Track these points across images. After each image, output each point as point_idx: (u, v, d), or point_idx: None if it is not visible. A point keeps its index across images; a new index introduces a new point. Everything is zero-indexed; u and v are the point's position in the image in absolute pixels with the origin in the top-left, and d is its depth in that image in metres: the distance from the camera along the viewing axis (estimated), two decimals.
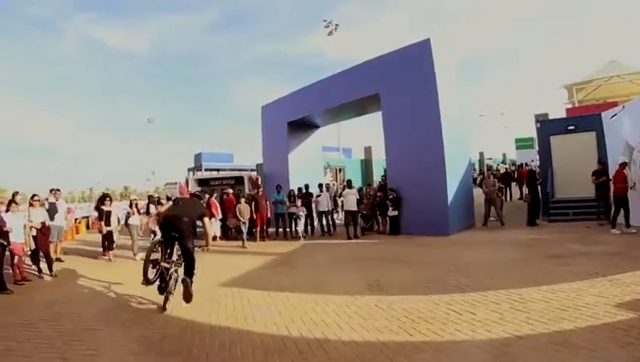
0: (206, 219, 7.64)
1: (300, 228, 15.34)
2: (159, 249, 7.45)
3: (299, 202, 15.54)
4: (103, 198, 13.31)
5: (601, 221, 13.04)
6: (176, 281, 7.23)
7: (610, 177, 12.60)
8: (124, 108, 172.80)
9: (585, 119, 16.40)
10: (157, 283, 7.23)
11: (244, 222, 14.46)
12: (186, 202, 8.40)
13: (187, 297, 6.96)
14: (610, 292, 6.14)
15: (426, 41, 14.15)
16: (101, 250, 13.16)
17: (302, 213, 15.45)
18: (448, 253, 10.59)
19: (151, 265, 7.22)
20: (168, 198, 16.13)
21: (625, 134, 13.31)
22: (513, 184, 23.26)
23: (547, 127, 16.90)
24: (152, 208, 14.02)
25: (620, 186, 11.79)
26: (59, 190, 13.11)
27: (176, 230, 7.14)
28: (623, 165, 12.00)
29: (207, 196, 15.69)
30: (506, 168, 26.31)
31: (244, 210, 14.55)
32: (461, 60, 22.87)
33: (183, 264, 7.25)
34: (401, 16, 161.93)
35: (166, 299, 7.06)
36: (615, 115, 14.16)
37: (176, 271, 7.28)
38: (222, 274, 9.56)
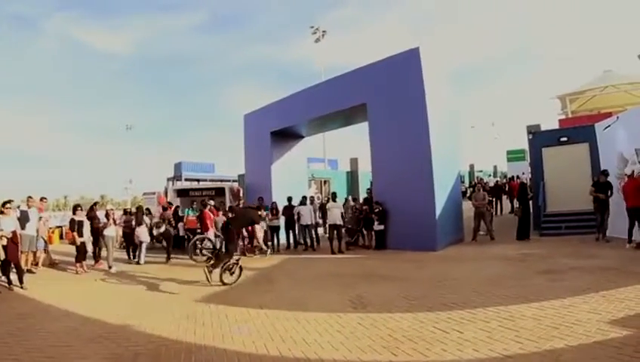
0: (256, 226, 11.80)
1: (260, 241, 14.96)
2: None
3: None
4: (92, 206, 13.38)
5: (598, 236, 12.85)
6: (240, 269, 10.31)
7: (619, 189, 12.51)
8: (104, 112, 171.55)
9: (578, 130, 16.55)
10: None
11: (218, 235, 14.29)
12: (237, 213, 11.32)
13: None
14: (603, 308, 6.13)
15: (415, 49, 14.22)
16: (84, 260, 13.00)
17: (261, 226, 15.04)
18: (435, 268, 10.57)
19: (194, 249, 11.02)
20: (149, 211, 16.05)
21: (619, 146, 13.40)
22: (504, 197, 23.33)
23: (539, 139, 17.04)
24: (147, 219, 14.47)
25: (633, 197, 11.50)
26: (45, 198, 13.12)
27: (224, 235, 10.57)
28: (632, 175, 11.93)
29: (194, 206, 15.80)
30: (497, 181, 26.36)
31: (220, 222, 14.31)
32: (451, 69, 22.98)
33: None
34: (391, 24, 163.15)
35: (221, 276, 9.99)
36: (609, 126, 14.28)
37: (237, 261, 10.32)
38: (199, 290, 9.52)
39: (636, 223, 11.42)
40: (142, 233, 14.17)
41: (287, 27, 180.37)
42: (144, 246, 14.18)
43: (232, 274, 10.13)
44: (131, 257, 14.47)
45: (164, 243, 15.06)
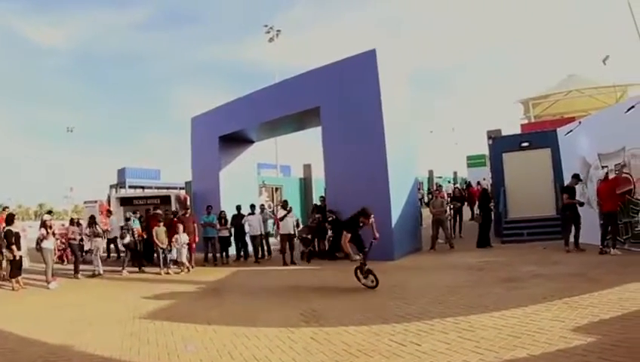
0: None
1: (182, 257, 14.43)
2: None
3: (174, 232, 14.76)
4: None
5: (578, 248, 12.26)
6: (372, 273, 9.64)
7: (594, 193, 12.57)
8: (42, 113, 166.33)
9: (540, 135, 16.96)
10: None
11: (162, 248, 14.13)
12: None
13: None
14: (567, 315, 6.18)
15: (372, 51, 14.31)
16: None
17: (183, 242, 14.49)
18: (392, 279, 10.50)
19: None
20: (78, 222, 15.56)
21: (581, 151, 13.72)
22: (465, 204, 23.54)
23: (500, 144, 17.35)
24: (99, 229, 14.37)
25: (609, 199, 11.54)
26: (7, 207, 12.59)
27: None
28: (606, 177, 12.00)
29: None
30: (457, 187, 26.63)
31: (161, 233, 14.22)
32: (410, 73, 23.26)
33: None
34: (349, 26, 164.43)
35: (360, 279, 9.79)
36: (571, 131, 14.57)
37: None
38: (143, 306, 9.36)
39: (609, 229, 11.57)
40: (100, 244, 14.14)
41: (239, 26, 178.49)
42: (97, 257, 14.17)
43: (365, 277, 9.65)
44: (78, 271, 13.96)
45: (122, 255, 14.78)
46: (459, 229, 18.33)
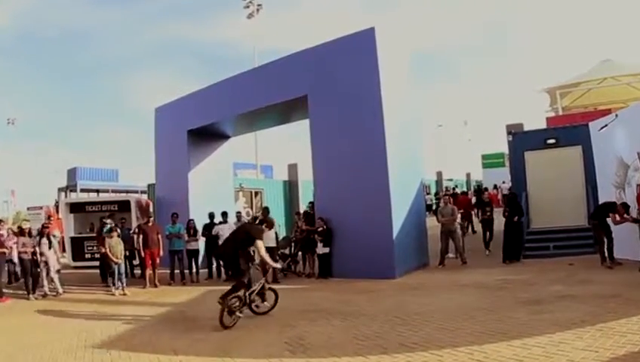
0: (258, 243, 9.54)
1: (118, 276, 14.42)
2: None
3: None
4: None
5: (615, 262, 12.47)
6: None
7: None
8: None
9: (569, 131, 16.96)
10: None
11: (116, 263, 14.00)
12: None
13: None
14: (601, 344, 6.17)
15: (370, 30, 14.30)
16: None
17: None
18: (393, 301, 10.59)
19: None
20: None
21: (618, 149, 13.68)
22: (473, 212, 23.26)
23: (521, 141, 17.37)
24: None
25: None
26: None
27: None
28: None
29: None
30: (465, 192, 26.83)
31: (115, 245, 14.15)
32: (415, 56, 23.10)
33: None
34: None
35: None
36: (605, 125, 14.50)
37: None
38: (97, 332, 9.28)
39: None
40: (52, 257, 13.98)
41: (210, 3, 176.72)
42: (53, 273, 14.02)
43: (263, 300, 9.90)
44: (30, 290, 13.78)
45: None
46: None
